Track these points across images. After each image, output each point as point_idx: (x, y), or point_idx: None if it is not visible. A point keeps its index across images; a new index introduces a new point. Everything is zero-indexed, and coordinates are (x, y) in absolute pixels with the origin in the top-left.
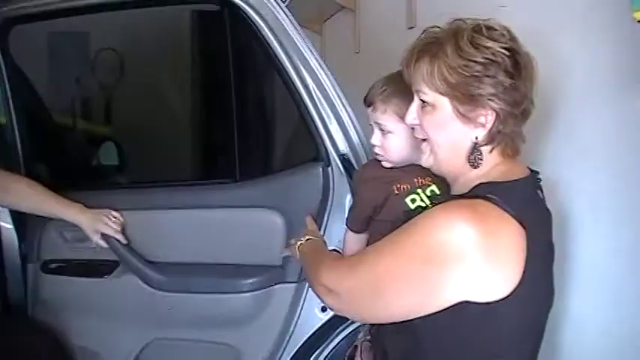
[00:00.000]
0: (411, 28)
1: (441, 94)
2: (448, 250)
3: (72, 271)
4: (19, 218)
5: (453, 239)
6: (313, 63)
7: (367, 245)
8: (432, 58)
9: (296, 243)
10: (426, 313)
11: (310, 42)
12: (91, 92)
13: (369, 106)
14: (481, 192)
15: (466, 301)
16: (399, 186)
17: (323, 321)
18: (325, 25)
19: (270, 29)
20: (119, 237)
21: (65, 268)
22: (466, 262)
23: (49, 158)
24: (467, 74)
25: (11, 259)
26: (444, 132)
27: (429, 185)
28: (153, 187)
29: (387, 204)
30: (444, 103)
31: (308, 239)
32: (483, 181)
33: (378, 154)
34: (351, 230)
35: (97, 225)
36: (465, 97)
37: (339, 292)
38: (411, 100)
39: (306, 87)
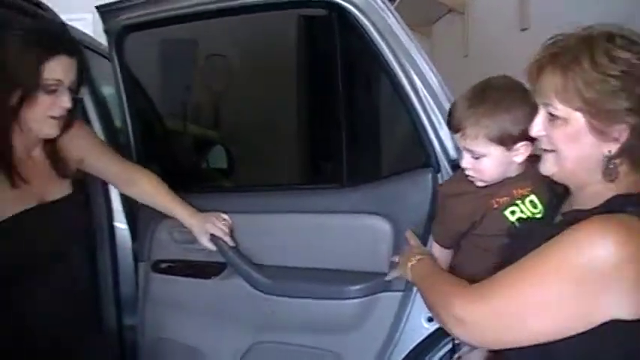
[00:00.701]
0: (525, 29)
1: (575, 109)
2: (602, 267)
3: (180, 271)
4: (132, 219)
5: (606, 256)
6: (423, 67)
7: (454, 259)
8: (565, 71)
9: (407, 263)
10: (571, 334)
11: (420, 45)
12: (200, 97)
13: (456, 132)
14: (618, 205)
15: (615, 320)
16: (498, 200)
17: (429, 331)
18: (433, 28)
19: (379, 32)
20: (227, 239)
21: (174, 268)
22: (621, 279)
23: (160, 161)
24: (604, 90)
25: (124, 258)
26: (576, 145)
27: (528, 195)
28: (260, 191)
29: (486, 218)
30: (578, 118)
31: (419, 259)
32: (618, 193)
33: (471, 176)
34: (441, 246)
35: (207, 226)
36: (601, 113)
37: (473, 321)
38: (500, 115)
39: (415, 91)
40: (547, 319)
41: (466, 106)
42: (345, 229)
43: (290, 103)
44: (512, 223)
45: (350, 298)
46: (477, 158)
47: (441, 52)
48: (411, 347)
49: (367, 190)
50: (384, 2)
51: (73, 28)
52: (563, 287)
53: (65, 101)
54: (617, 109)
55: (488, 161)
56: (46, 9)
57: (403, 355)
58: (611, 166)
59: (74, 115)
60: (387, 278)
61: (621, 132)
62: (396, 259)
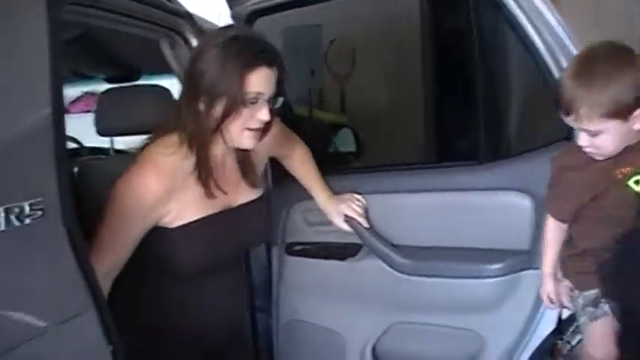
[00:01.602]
0: None
1: None
2: None
3: (315, 254)
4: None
5: None
6: (563, 37)
7: (570, 230)
8: None
9: None
10: None
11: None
12: (326, 82)
13: (567, 114)
14: None
15: None
16: (621, 170)
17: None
18: None
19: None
20: (362, 220)
21: (308, 251)
22: None
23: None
24: None
25: None
26: None
27: None
28: (395, 171)
29: (609, 190)
30: None
31: None
32: None
33: (590, 152)
34: (559, 220)
35: (341, 207)
36: None
37: None
38: (612, 88)
39: (557, 64)
40: None
41: (575, 86)
42: (484, 207)
43: (421, 82)
44: (638, 193)
45: (490, 276)
46: (594, 135)
47: (571, 20)
48: (553, 326)
49: (505, 166)
50: None
51: (197, 16)
52: None
53: (264, 114)
54: None
55: (606, 137)
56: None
57: (545, 334)
58: None
59: (270, 125)
60: None
61: None
62: None
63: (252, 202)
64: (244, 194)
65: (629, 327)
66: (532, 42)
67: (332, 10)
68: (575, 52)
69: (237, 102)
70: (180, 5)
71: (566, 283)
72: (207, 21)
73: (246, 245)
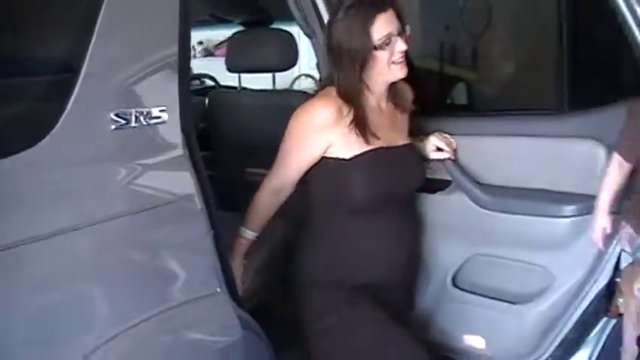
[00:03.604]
0: None
1: None
2: None
3: None
4: None
5: None
6: None
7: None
8: None
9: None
10: None
11: None
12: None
13: None
14: None
15: None
16: None
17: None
18: None
19: None
20: (450, 153)
21: None
22: None
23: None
24: None
25: None
26: None
27: None
28: (483, 117)
29: None
30: None
31: None
32: None
33: None
34: (626, 160)
35: (432, 138)
36: None
37: None
38: None
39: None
40: None
41: None
42: (563, 153)
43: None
44: None
45: (564, 216)
46: None
47: None
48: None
49: (585, 117)
50: None
51: None
52: None
53: (401, 46)
54: None
55: None
56: None
57: (609, 277)
58: None
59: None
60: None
61: None
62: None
63: (407, 144)
64: (400, 138)
65: None
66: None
67: None
68: None
69: (371, 51)
70: None
71: (627, 229)
72: None
73: (408, 184)
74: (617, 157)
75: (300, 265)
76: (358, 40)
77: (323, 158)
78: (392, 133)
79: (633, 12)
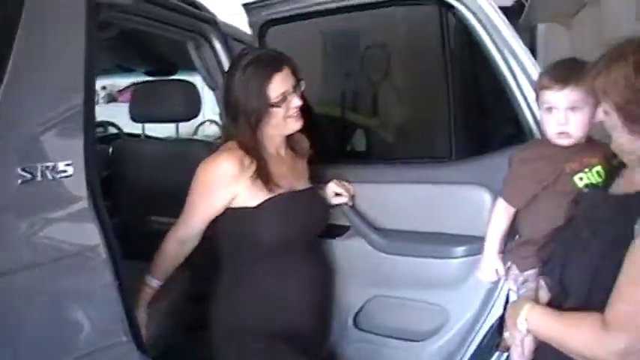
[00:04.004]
0: None
1: None
2: None
3: None
4: None
5: None
6: (522, 56)
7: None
8: None
9: (516, 318)
10: None
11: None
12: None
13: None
14: None
15: None
16: (570, 165)
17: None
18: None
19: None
20: (348, 199)
21: None
22: None
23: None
24: None
25: None
26: None
27: (595, 165)
28: (378, 164)
29: (558, 182)
30: None
31: (529, 309)
32: None
33: (562, 131)
34: (512, 205)
35: (331, 184)
36: None
37: (631, 344)
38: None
39: (514, 77)
40: None
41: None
42: (452, 198)
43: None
44: (579, 188)
45: (455, 257)
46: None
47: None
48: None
49: (471, 163)
50: None
51: (222, 22)
52: None
53: (296, 102)
54: None
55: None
56: (200, 7)
57: (501, 312)
58: None
59: (304, 107)
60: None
61: None
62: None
63: (310, 188)
64: (301, 182)
65: (559, 297)
66: (494, 61)
67: (367, 18)
68: (531, 68)
69: (268, 108)
70: (208, 12)
71: (513, 269)
72: (231, 26)
73: (314, 225)
74: (501, 202)
75: (215, 312)
76: (255, 100)
77: (229, 209)
78: (293, 178)
79: (510, 69)
